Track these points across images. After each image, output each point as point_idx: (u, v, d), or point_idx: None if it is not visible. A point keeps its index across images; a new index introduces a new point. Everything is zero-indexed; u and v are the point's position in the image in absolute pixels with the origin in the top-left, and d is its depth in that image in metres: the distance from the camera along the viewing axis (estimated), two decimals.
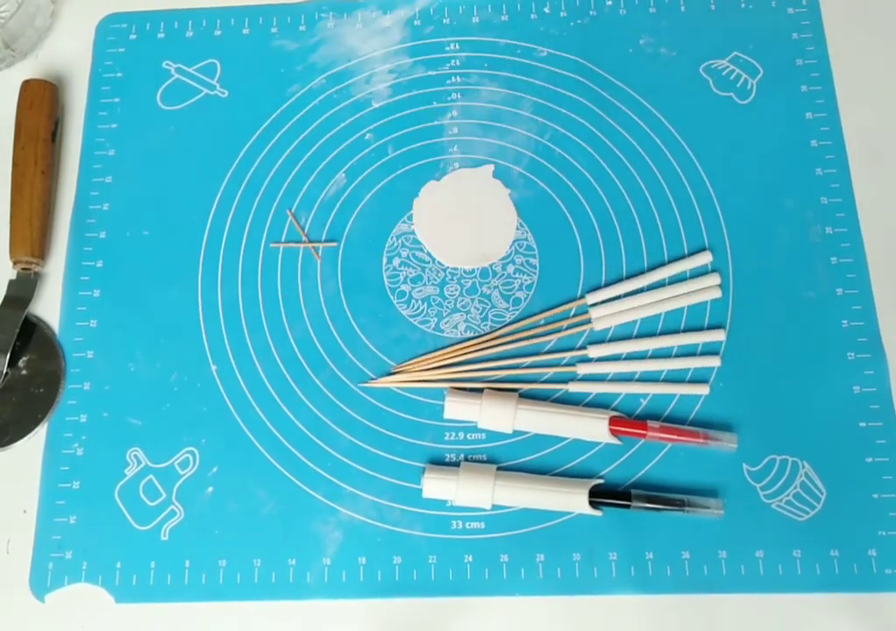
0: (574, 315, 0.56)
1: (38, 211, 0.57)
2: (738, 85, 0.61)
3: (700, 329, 0.56)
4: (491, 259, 0.58)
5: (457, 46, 0.63)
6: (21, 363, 0.56)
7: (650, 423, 0.52)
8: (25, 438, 0.54)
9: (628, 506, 0.51)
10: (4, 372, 0.55)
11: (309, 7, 0.64)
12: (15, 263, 0.57)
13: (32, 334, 0.56)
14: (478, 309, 0.57)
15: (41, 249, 0.58)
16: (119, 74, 0.63)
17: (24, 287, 0.57)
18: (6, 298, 0.57)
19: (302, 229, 0.59)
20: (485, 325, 0.57)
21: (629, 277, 0.57)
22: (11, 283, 0.57)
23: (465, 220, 0.59)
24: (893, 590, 0.50)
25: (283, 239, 0.59)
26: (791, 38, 0.62)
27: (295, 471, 0.54)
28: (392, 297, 0.57)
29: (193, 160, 0.61)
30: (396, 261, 0.58)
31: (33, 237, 0.57)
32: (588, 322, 0.56)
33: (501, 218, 0.58)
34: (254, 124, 0.61)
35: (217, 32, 0.64)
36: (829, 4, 0.62)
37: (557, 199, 0.59)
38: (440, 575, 0.51)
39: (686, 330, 0.56)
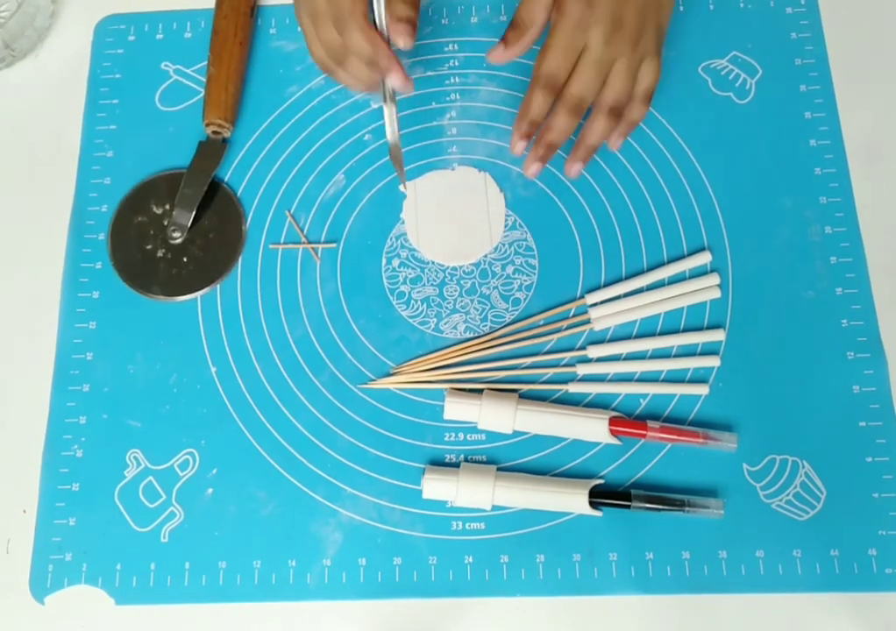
0: (574, 316, 0.56)
1: (233, 79, 0.60)
2: (737, 85, 0.61)
3: (699, 329, 0.56)
4: (477, 255, 0.58)
5: (455, 47, 0.63)
6: (206, 221, 0.59)
7: (650, 423, 0.52)
8: (200, 293, 0.57)
9: (628, 507, 0.51)
10: (189, 226, 0.58)
11: None
12: (207, 125, 0.60)
13: (215, 195, 0.60)
14: (477, 310, 0.57)
15: (232, 114, 0.60)
16: (118, 75, 0.63)
17: (213, 150, 0.60)
18: (196, 158, 0.59)
19: (302, 230, 0.59)
20: (484, 326, 0.56)
21: (629, 277, 0.57)
22: (202, 145, 0.60)
23: (451, 216, 0.59)
24: (893, 589, 0.50)
25: (282, 240, 0.59)
26: (790, 38, 0.62)
27: (295, 472, 0.54)
28: (391, 298, 0.57)
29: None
30: (396, 262, 0.58)
31: (227, 103, 0.60)
32: (588, 322, 0.56)
33: (488, 212, 0.58)
34: (253, 125, 0.61)
35: None
36: (828, 4, 0.62)
37: (556, 199, 0.59)
38: (440, 576, 0.51)
39: (685, 330, 0.56)
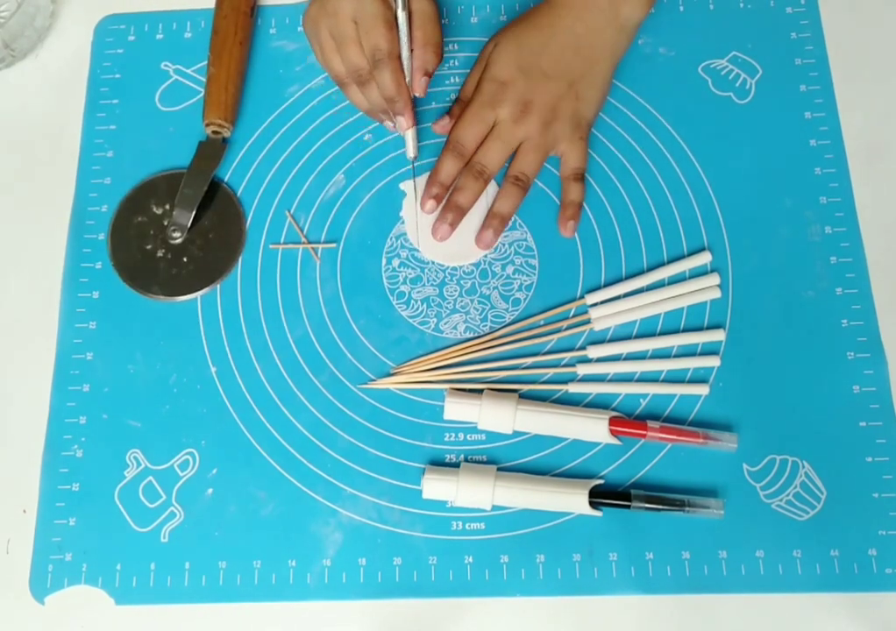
0: (574, 316, 0.56)
1: (233, 79, 0.60)
2: (737, 85, 0.61)
3: (699, 329, 0.56)
4: (477, 256, 0.58)
5: (456, 47, 0.63)
6: (206, 221, 0.59)
7: (650, 424, 0.52)
8: (200, 293, 0.57)
9: (628, 507, 0.51)
10: (188, 226, 0.58)
11: None
12: (207, 125, 0.60)
13: (216, 195, 0.59)
14: (477, 310, 0.57)
15: (233, 114, 0.60)
16: (118, 76, 0.63)
17: (213, 150, 0.60)
18: (196, 158, 0.59)
19: (302, 230, 0.59)
20: (484, 326, 0.56)
21: (629, 277, 0.57)
22: (202, 144, 0.60)
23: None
24: (893, 589, 0.50)
25: (282, 240, 0.59)
26: (790, 38, 0.62)
27: (295, 472, 0.54)
28: (391, 298, 0.57)
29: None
30: (396, 262, 0.58)
31: (227, 103, 0.60)
32: (588, 322, 0.56)
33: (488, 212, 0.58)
34: (253, 125, 0.61)
35: None
36: (828, 4, 0.62)
37: (556, 199, 0.59)
38: (440, 576, 0.51)
39: (685, 330, 0.56)
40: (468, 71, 0.61)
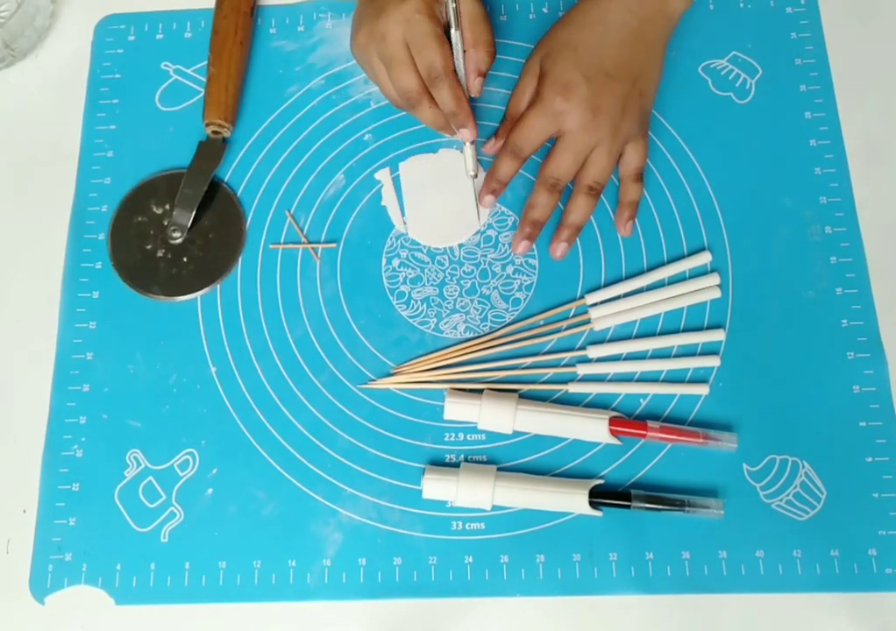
0: (574, 316, 0.56)
1: (233, 79, 0.60)
2: (737, 85, 0.61)
3: (699, 329, 0.56)
4: (464, 236, 0.58)
5: None
6: (206, 221, 0.59)
7: (650, 424, 0.52)
8: (200, 293, 0.57)
9: (628, 507, 0.51)
10: (188, 226, 0.58)
11: (308, 7, 0.64)
12: (207, 125, 0.60)
13: (216, 195, 0.59)
14: (477, 310, 0.57)
15: (233, 114, 0.60)
16: (118, 75, 0.63)
17: (213, 150, 0.60)
18: (196, 158, 0.59)
19: (302, 230, 0.59)
20: (484, 326, 0.56)
21: (629, 277, 0.57)
22: (202, 144, 0.60)
23: (435, 198, 0.59)
24: (893, 589, 0.50)
25: (282, 240, 0.59)
26: (790, 38, 0.62)
27: (295, 472, 0.54)
28: (391, 298, 0.57)
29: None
30: (396, 262, 0.58)
31: (227, 103, 0.60)
32: (588, 322, 0.56)
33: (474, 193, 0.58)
34: (253, 125, 0.61)
35: None
36: (828, 4, 0.62)
37: None
38: (440, 576, 0.51)
39: (685, 330, 0.56)
40: None
